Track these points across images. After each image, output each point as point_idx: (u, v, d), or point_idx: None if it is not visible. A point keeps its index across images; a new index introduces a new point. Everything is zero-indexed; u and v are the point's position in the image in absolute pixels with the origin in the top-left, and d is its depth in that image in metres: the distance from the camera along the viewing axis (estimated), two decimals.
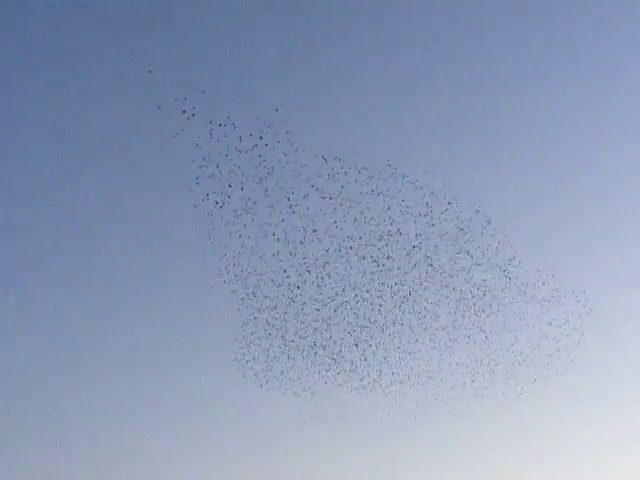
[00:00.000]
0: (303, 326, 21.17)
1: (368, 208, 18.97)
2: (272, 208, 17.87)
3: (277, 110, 16.09)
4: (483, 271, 20.19)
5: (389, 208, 19.07)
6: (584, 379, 22.59)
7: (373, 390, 21.93)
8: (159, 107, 15.42)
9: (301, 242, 19.04)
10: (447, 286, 20.49)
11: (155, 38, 20.12)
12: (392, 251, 20.01)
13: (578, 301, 20.93)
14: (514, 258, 20.00)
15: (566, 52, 24.09)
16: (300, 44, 21.19)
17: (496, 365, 21.34)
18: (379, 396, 22.03)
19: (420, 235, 19.69)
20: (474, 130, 23.06)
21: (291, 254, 19.31)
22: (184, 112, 15.53)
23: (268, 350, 21.73)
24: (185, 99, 15.83)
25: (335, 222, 18.97)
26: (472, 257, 19.89)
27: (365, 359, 21.61)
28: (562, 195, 23.36)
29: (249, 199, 17.71)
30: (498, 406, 21.75)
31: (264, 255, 19.33)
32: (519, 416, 22.59)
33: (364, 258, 19.98)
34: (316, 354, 21.59)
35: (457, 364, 21.44)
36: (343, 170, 17.47)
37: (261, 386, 22.01)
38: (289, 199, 17.63)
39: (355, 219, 19.08)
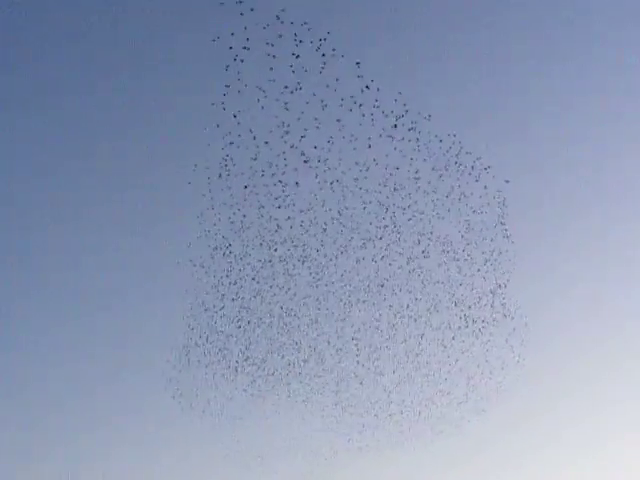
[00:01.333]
0: (245, 348, 20.00)
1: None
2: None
3: None
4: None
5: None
6: (521, 411, 22.44)
7: (307, 417, 20.78)
8: None
9: (281, 243, 18.06)
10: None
11: None
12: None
13: (525, 325, 20.64)
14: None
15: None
16: None
17: (448, 393, 20.75)
18: (315, 422, 20.89)
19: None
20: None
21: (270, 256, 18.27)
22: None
23: (200, 370, 20.38)
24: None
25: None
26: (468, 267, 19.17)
27: (302, 381, 20.42)
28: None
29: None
30: (442, 433, 21.24)
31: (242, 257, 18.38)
32: (464, 443, 22.23)
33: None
34: (241, 376, 20.30)
35: (398, 388, 20.69)
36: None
37: (182, 410, 20.69)
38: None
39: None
